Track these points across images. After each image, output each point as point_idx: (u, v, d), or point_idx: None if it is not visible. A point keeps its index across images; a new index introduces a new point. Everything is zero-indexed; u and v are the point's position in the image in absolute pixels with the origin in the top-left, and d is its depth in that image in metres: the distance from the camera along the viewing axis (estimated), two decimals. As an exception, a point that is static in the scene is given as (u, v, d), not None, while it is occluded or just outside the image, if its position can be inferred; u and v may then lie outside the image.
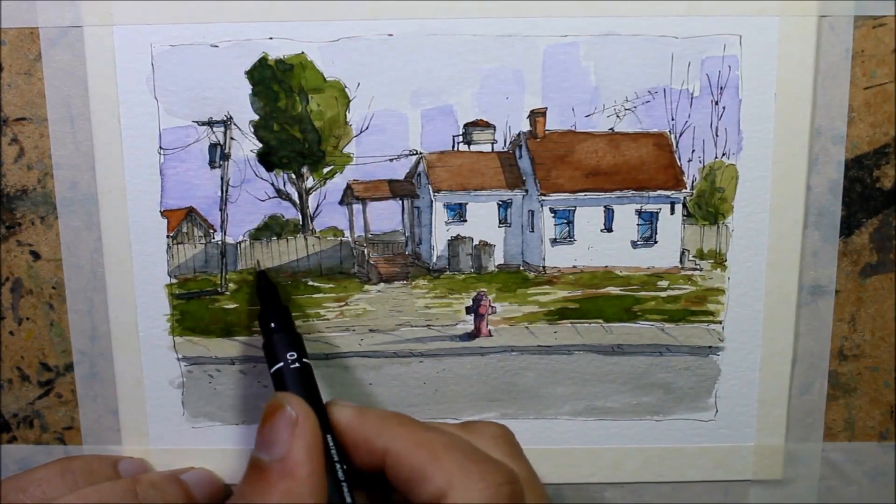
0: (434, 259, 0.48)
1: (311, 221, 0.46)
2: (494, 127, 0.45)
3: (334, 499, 0.35)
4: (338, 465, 0.36)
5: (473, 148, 0.46)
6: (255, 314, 0.46)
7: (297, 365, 0.40)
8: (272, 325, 0.42)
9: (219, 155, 0.45)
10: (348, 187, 0.46)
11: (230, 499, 0.36)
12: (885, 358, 0.47)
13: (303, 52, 0.44)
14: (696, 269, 0.47)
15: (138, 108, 0.44)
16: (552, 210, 0.48)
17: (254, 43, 0.44)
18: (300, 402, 0.36)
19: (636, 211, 0.47)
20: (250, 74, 0.44)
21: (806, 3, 0.43)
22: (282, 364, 0.40)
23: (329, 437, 0.37)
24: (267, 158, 0.46)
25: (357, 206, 0.47)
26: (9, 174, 0.45)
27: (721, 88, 0.44)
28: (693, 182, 0.46)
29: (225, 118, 0.45)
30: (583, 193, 0.47)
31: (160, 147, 0.45)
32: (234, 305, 0.47)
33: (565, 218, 0.48)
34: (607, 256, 0.47)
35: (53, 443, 0.48)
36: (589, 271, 0.47)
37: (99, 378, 0.47)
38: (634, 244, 0.47)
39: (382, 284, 0.47)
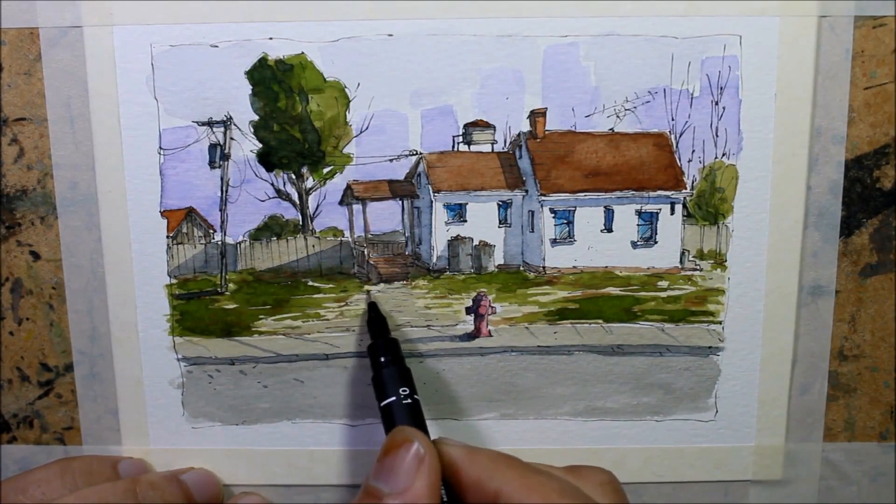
0: (434, 259, 0.48)
1: (311, 221, 0.46)
2: (494, 127, 0.45)
3: None
4: None
5: (473, 148, 0.46)
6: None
7: (409, 401, 0.40)
8: (382, 358, 0.42)
9: (219, 155, 0.45)
10: (348, 187, 0.46)
11: None
12: (885, 358, 0.47)
13: (303, 52, 0.44)
14: (696, 270, 0.47)
15: (138, 108, 0.44)
16: (552, 210, 0.48)
17: (254, 43, 0.44)
18: (426, 439, 0.37)
19: (636, 211, 0.47)
20: (250, 74, 0.44)
21: (806, 3, 0.43)
22: (394, 399, 0.40)
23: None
24: (267, 158, 0.46)
25: (357, 207, 0.47)
26: (9, 174, 0.45)
27: (721, 88, 0.44)
28: (693, 182, 0.46)
29: (225, 118, 0.45)
30: (583, 194, 0.47)
31: (160, 147, 0.45)
32: (234, 305, 0.47)
33: (565, 218, 0.48)
34: (607, 257, 0.47)
35: (53, 443, 0.48)
36: (589, 271, 0.47)
37: (99, 378, 0.47)
38: (634, 244, 0.47)
39: (382, 284, 0.47)
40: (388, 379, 0.41)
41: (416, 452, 0.35)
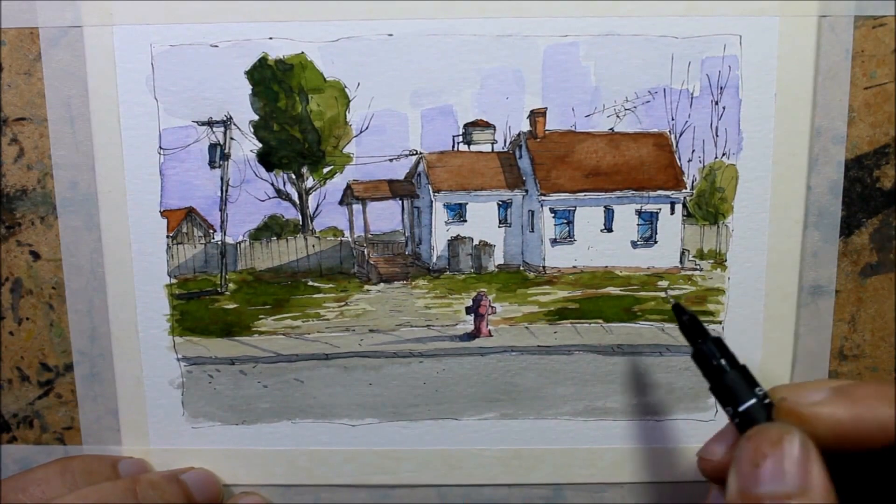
0: (434, 259, 0.48)
1: (311, 221, 0.46)
2: (494, 127, 0.45)
3: None
4: None
5: (473, 148, 0.46)
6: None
7: (767, 401, 0.36)
8: (722, 361, 0.38)
9: (219, 155, 0.45)
10: (348, 187, 0.46)
11: None
12: (885, 358, 0.47)
13: (303, 52, 0.44)
14: (696, 269, 0.47)
15: (138, 108, 0.44)
16: (552, 210, 0.48)
17: (254, 43, 0.44)
18: (797, 428, 0.33)
19: (636, 211, 0.47)
20: (250, 74, 0.44)
21: (806, 3, 0.43)
22: (754, 401, 0.36)
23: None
24: (267, 158, 0.46)
25: (357, 206, 0.47)
26: (9, 174, 0.45)
27: (721, 88, 0.44)
28: (693, 182, 0.46)
29: (225, 118, 0.45)
30: (583, 193, 0.47)
31: (160, 147, 0.45)
32: (234, 305, 0.47)
33: (565, 218, 0.48)
34: (607, 256, 0.47)
35: (53, 443, 0.48)
36: (589, 271, 0.47)
37: (99, 378, 0.47)
38: (634, 244, 0.47)
39: (382, 284, 0.47)
40: (736, 383, 0.37)
41: (803, 444, 0.32)
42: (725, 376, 0.37)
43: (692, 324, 0.40)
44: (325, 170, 0.46)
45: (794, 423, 0.34)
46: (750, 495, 0.32)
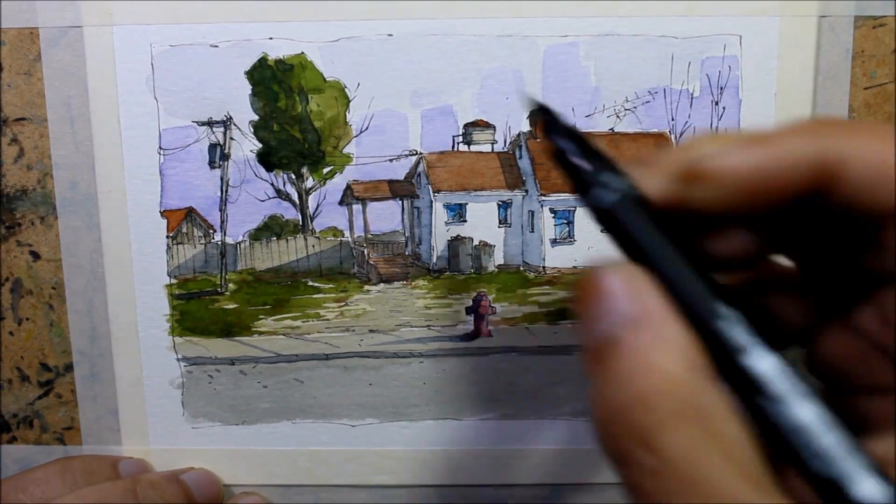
0: (434, 259, 0.48)
1: (311, 222, 0.46)
2: (494, 127, 0.45)
3: None
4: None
5: (473, 148, 0.46)
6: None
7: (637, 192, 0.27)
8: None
9: (218, 155, 0.45)
10: (348, 187, 0.46)
11: None
12: (886, 358, 0.47)
13: (303, 52, 0.44)
14: (696, 270, 0.47)
15: (138, 109, 0.44)
16: (552, 210, 0.48)
17: (254, 43, 0.44)
18: (620, 264, 0.26)
19: (636, 211, 0.47)
20: (250, 74, 0.44)
21: (806, 3, 0.43)
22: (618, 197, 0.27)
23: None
24: (267, 158, 0.46)
25: (357, 207, 0.47)
26: (9, 174, 0.45)
27: (721, 88, 0.44)
28: (693, 182, 0.46)
29: (225, 118, 0.45)
30: (583, 193, 0.47)
31: (160, 147, 0.45)
32: (234, 305, 0.47)
33: (565, 218, 0.48)
34: (608, 257, 0.47)
35: (53, 443, 0.48)
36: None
37: (99, 378, 0.47)
38: (634, 244, 0.47)
39: (382, 285, 0.47)
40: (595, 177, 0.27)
41: (621, 277, 0.25)
42: (584, 173, 0.27)
43: (547, 119, 0.28)
44: (325, 170, 0.46)
45: (686, 186, 0.25)
46: (586, 348, 0.25)
